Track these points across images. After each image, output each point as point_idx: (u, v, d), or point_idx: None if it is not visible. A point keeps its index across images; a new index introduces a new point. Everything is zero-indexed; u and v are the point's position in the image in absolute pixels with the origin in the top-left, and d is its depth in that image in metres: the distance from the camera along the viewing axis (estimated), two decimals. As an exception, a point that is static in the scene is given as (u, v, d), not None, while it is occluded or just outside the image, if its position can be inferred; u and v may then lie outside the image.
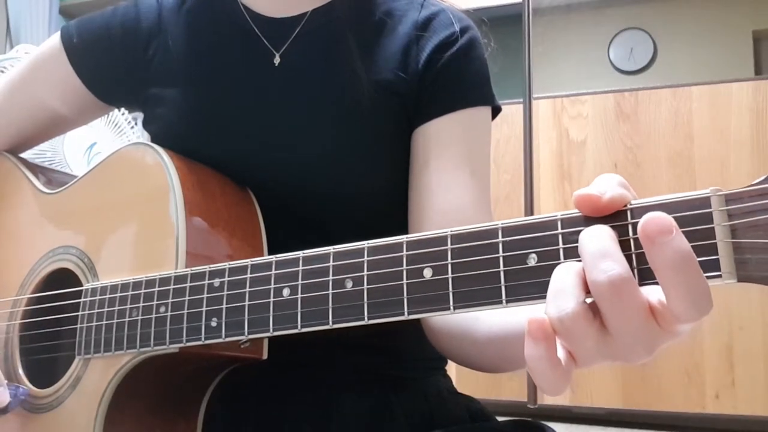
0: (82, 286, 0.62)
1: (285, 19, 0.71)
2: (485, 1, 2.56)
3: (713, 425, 2.07)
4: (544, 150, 2.32)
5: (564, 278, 0.36)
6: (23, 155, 0.86)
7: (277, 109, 0.68)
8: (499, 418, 0.69)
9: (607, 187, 0.36)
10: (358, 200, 0.67)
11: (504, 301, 0.38)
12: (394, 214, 0.69)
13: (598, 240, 0.35)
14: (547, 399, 2.20)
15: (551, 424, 0.62)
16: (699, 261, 0.33)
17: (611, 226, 0.36)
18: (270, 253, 0.61)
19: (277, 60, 0.69)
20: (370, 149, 0.67)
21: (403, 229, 0.68)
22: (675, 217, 0.34)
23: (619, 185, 0.36)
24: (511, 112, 2.31)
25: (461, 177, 0.66)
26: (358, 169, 0.67)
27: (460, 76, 0.69)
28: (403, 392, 0.68)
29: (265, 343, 0.57)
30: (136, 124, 1.62)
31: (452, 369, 0.77)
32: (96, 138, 1.56)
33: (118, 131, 1.60)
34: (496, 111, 0.72)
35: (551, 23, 3.24)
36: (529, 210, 1.97)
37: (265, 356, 0.58)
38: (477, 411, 0.71)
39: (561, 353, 0.37)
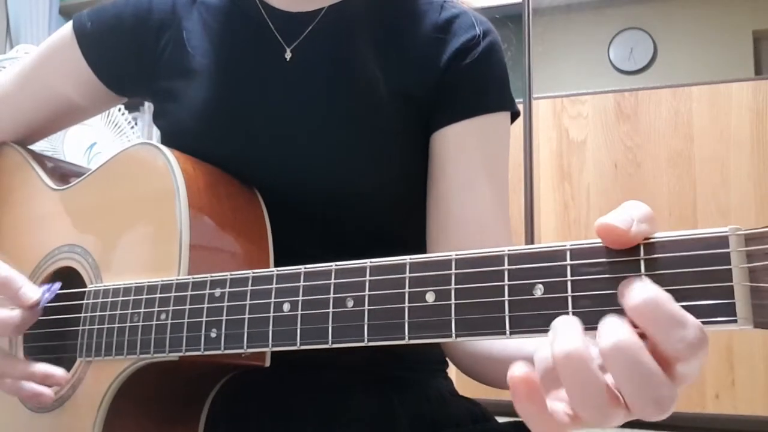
0: (86, 286, 0.62)
1: (300, 14, 0.70)
2: (485, 1, 2.56)
3: (713, 425, 2.07)
4: (544, 150, 2.32)
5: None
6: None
7: (285, 106, 0.67)
8: (500, 419, 0.69)
9: (632, 221, 0.34)
10: (367, 200, 0.67)
11: (507, 333, 0.37)
12: (404, 215, 0.68)
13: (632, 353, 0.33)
14: (547, 399, 2.20)
15: (551, 425, 0.62)
16: (713, 304, 0.32)
17: (622, 262, 0.34)
18: (278, 253, 0.61)
19: (288, 55, 0.68)
20: (379, 149, 0.66)
21: (414, 231, 0.68)
22: (689, 256, 0.32)
23: (646, 220, 0.34)
24: (511, 112, 2.31)
25: (480, 185, 0.65)
26: (366, 169, 0.66)
27: (481, 81, 0.68)
28: (406, 394, 0.68)
29: (268, 351, 0.57)
30: (136, 124, 1.62)
31: (452, 370, 0.77)
32: (96, 138, 1.56)
33: (118, 131, 1.60)
34: (514, 115, 0.71)
35: (551, 23, 3.24)
36: (529, 210, 1.97)
37: (267, 363, 0.57)
38: (479, 413, 0.71)
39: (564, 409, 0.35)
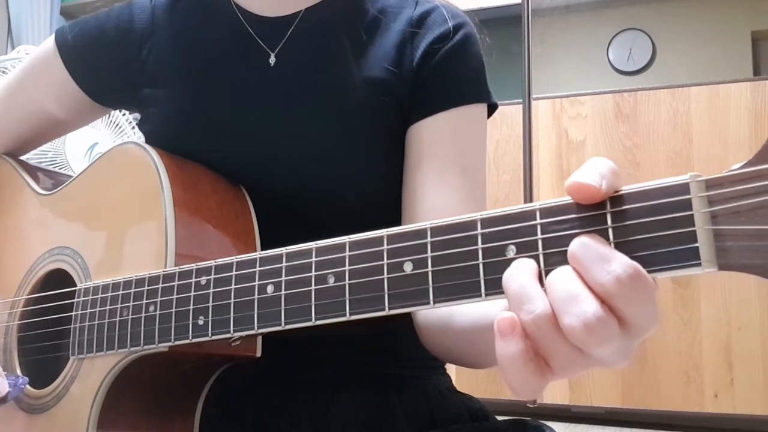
0: (76, 286, 0.62)
1: (278, 19, 0.71)
2: (485, 2, 2.56)
3: (712, 425, 2.07)
4: (543, 150, 2.33)
5: (522, 282, 0.36)
6: (24, 157, 0.86)
7: (272, 109, 0.68)
8: (499, 418, 0.69)
9: (603, 177, 0.35)
10: (355, 198, 0.67)
11: (483, 295, 0.38)
12: (392, 212, 0.69)
13: (567, 283, 0.34)
14: (546, 398, 2.20)
15: (551, 424, 0.62)
16: (678, 249, 0.32)
17: (589, 216, 0.35)
18: None
19: (272, 60, 0.69)
20: (364, 147, 0.67)
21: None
22: (653, 205, 0.33)
23: (613, 174, 0.36)
24: (511, 112, 2.31)
25: (451, 177, 0.66)
26: (352, 167, 0.67)
27: (455, 74, 0.68)
28: (403, 391, 0.68)
29: (259, 340, 0.57)
30: (137, 124, 1.62)
31: (451, 368, 0.77)
32: (97, 138, 1.57)
33: (119, 132, 1.60)
34: (492, 108, 0.71)
35: (550, 24, 3.25)
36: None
37: (258, 354, 0.57)
38: (477, 410, 0.71)
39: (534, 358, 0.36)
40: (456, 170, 0.66)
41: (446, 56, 0.68)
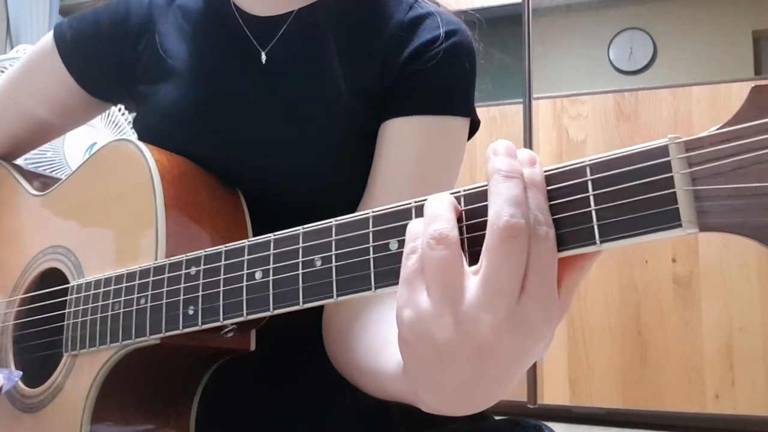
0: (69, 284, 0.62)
1: (271, 18, 0.71)
2: (485, 1, 2.56)
3: (713, 425, 2.07)
4: (544, 150, 2.32)
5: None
6: (24, 156, 0.86)
7: (263, 107, 0.68)
8: (498, 418, 0.69)
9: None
10: (341, 199, 0.66)
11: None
12: None
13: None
14: (547, 399, 2.20)
15: (551, 424, 0.62)
16: (660, 212, 0.32)
17: (571, 185, 0.35)
18: None
19: (263, 58, 0.69)
20: (340, 150, 0.66)
21: None
22: (633, 169, 0.33)
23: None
24: (511, 112, 2.31)
25: (404, 181, 0.64)
26: (336, 168, 0.66)
27: (434, 81, 0.66)
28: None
29: (253, 334, 0.57)
30: (132, 122, 1.62)
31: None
32: (96, 138, 1.56)
33: (119, 132, 1.60)
34: (474, 125, 0.69)
35: (551, 23, 3.24)
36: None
37: (252, 347, 0.57)
38: (474, 409, 0.71)
39: None
40: (412, 176, 0.64)
41: (429, 62, 0.66)
